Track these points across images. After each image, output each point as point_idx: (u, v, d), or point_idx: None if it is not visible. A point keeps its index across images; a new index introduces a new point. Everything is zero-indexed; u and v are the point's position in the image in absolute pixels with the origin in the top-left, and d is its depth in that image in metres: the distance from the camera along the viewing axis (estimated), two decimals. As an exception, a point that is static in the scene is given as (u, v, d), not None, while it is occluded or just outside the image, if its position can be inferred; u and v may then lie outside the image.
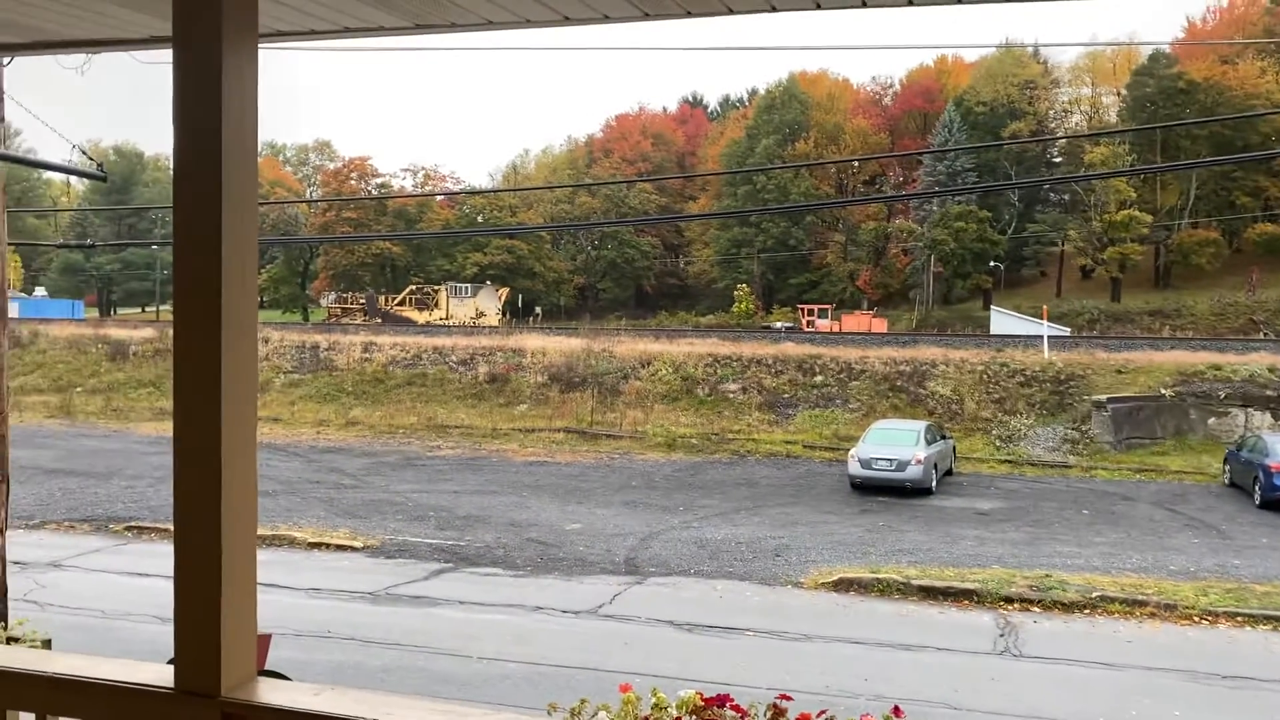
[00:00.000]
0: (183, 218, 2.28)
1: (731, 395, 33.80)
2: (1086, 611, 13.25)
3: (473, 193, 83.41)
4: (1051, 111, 76.00)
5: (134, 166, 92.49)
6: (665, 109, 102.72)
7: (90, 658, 2.56)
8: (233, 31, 2.21)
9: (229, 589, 2.27)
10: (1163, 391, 29.20)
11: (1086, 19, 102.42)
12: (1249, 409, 28.31)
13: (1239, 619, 12.86)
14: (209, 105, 2.24)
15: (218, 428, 2.24)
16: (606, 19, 2.70)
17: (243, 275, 2.31)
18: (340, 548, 16.86)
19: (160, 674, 2.38)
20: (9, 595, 7.95)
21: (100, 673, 2.45)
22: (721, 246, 79.75)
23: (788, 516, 20.18)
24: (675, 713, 2.12)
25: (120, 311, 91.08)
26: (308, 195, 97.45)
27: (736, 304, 71.43)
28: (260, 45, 2.40)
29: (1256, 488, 21.62)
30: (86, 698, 2.42)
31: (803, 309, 65.74)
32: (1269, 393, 28.49)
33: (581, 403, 33.93)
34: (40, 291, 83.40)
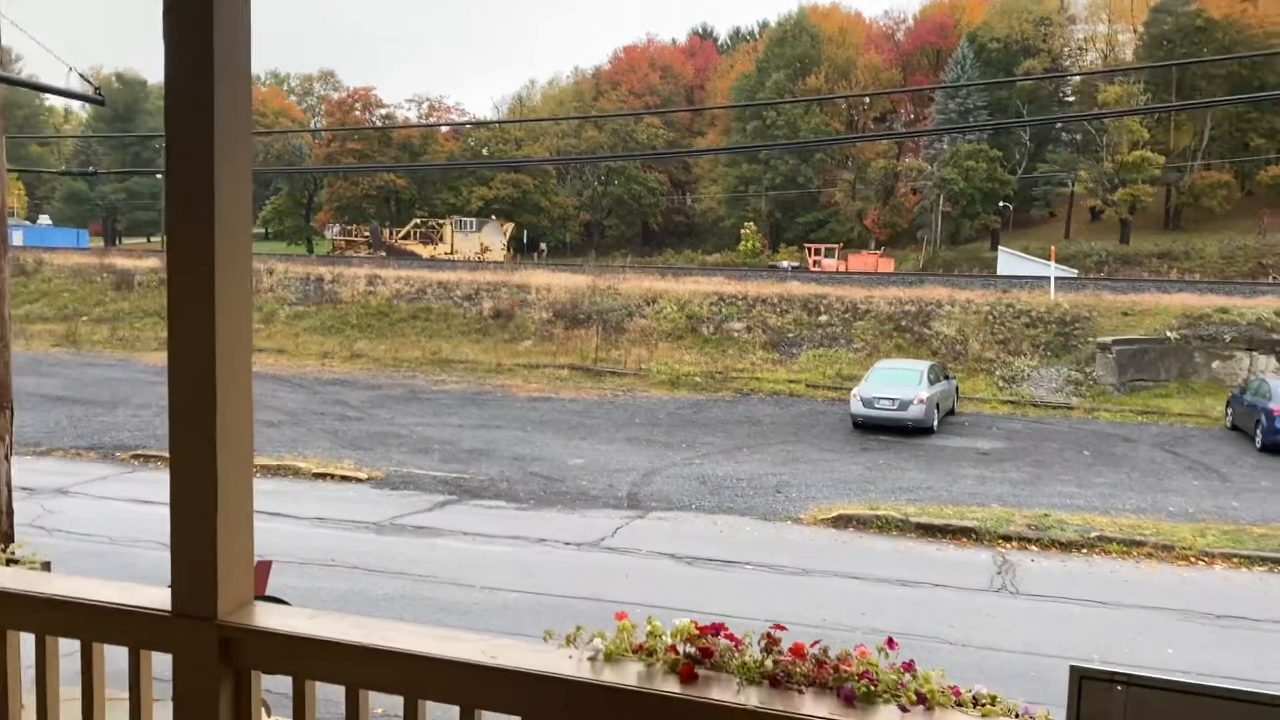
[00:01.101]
0: (175, 145, 2.24)
1: (736, 334, 33.77)
2: (1084, 551, 13.36)
3: (478, 124, 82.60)
4: (1066, 49, 74.70)
5: (138, 94, 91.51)
6: (674, 41, 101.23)
7: (88, 580, 2.58)
8: None
9: (225, 514, 2.27)
10: (1168, 334, 29.13)
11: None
12: (1254, 353, 28.25)
13: (1235, 560, 12.96)
14: (200, 29, 2.18)
15: (212, 353, 2.23)
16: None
17: (236, 200, 2.27)
18: (345, 478, 17.00)
19: (158, 597, 2.39)
20: (15, 520, 8.03)
21: (98, 595, 2.47)
22: (729, 184, 79.07)
23: (789, 454, 20.28)
24: (670, 640, 2.12)
25: (125, 241, 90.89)
26: (312, 125, 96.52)
27: (743, 242, 71.04)
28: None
29: (1258, 431, 21.66)
30: (84, 619, 2.44)
31: (809, 248, 65.37)
32: (1275, 337, 28.40)
33: (586, 340, 33.95)
34: (44, 220, 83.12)
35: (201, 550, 2.27)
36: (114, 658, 2.48)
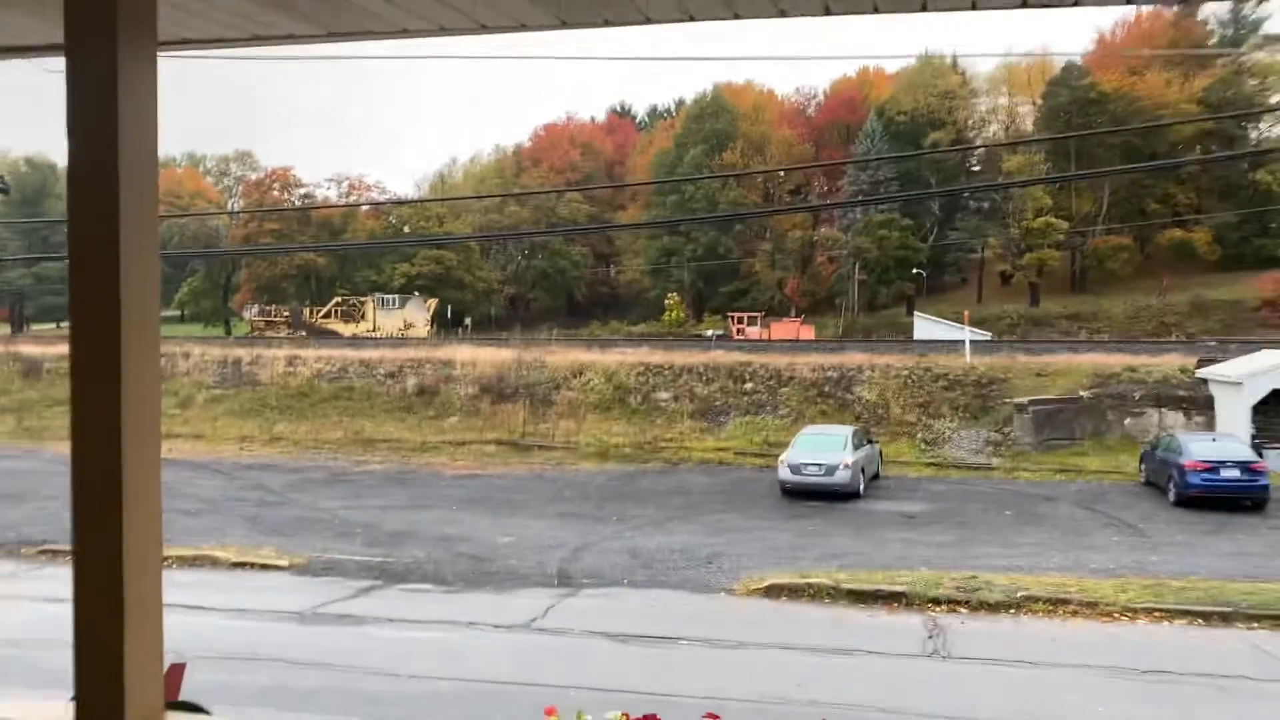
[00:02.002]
0: (78, 229, 2.19)
1: (664, 404, 33.87)
2: (1012, 611, 13.51)
3: (399, 202, 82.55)
4: (970, 121, 77.78)
5: (47, 178, 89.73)
6: (593, 118, 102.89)
7: (-14, 695, 2.43)
8: (129, 38, 2.13)
9: (133, 616, 2.17)
10: (1081, 393, 30.00)
11: (1003, 32, 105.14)
12: (1162, 409, 29.22)
13: (1156, 614, 13.22)
14: (104, 114, 2.15)
15: (118, 442, 2.15)
16: (523, 28, 2.66)
17: (143, 289, 2.22)
18: (265, 567, 16.47)
19: (60, 710, 2.26)
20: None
21: (-5, 712, 2.32)
22: (652, 255, 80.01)
23: (720, 523, 20.26)
24: (601, 733, 2.07)
25: (34, 327, 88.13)
26: (229, 206, 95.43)
27: (667, 312, 71.71)
28: (163, 53, 2.32)
29: (1171, 486, 22.31)
30: (-20, 739, 2.30)
31: (733, 317, 66.24)
32: (1180, 393, 29.44)
33: (513, 414, 33.71)
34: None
35: (107, 655, 2.16)
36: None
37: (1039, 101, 72.38)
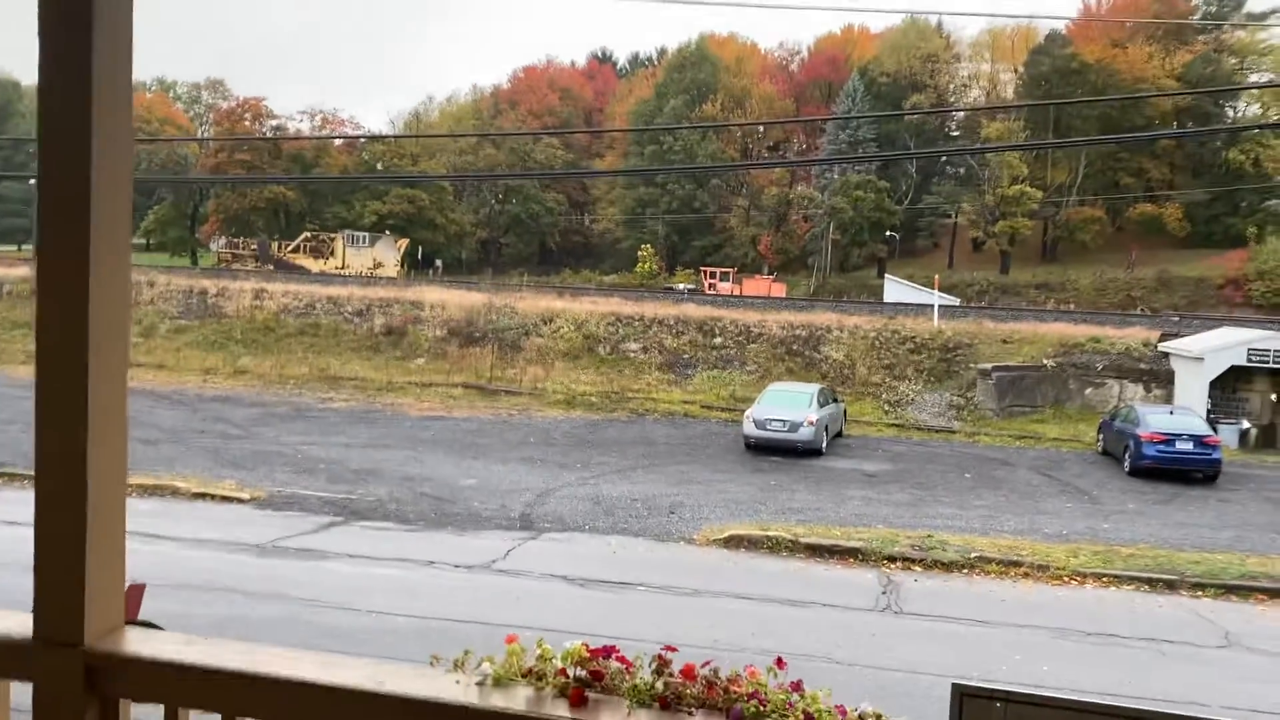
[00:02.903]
0: (49, 149, 2.14)
1: (632, 354, 33.91)
2: (965, 571, 13.77)
3: (373, 138, 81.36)
4: (952, 86, 77.65)
5: (10, 95, 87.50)
6: (574, 63, 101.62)
7: (-59, 606, 2.42)
8: None
9: (94, 534, 2.16)
10: (1045, 362, 30.37)
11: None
12: (1123, 381, 29.67)
13: (1105, 579, 13.53)
14: (78, 33, 2.09)
15: (84, 366, 2.12)
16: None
17: (114, 213, 2.18)
18: (225, 499, 16.43)
19: (19, 622, 2.26)
20: None
21: (-49, 622, 2.31)
22: (627, 206, 79.59)
23: (683, 475, 20.42)
24: (560, 664, 2.10)
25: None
26: (199, 134, 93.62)
27: (640, 264, 71.54)
28: (138, -33, 2.25)
29: (1126, 456, 22.73)
30: (-66, 648, 2.29)
31: (705, 271, 66.23)
32: (1142, 366, 29.88)
33: (481, 358, 33.63)
34: (-96, 224, 78.61)
35: (68, 572, 2.15)
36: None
37: (1020, 69, 72.35)
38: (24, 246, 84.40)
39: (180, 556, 12.73)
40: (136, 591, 4.68)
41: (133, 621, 2.78)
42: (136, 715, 2.32)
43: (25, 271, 41.99)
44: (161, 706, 2.19)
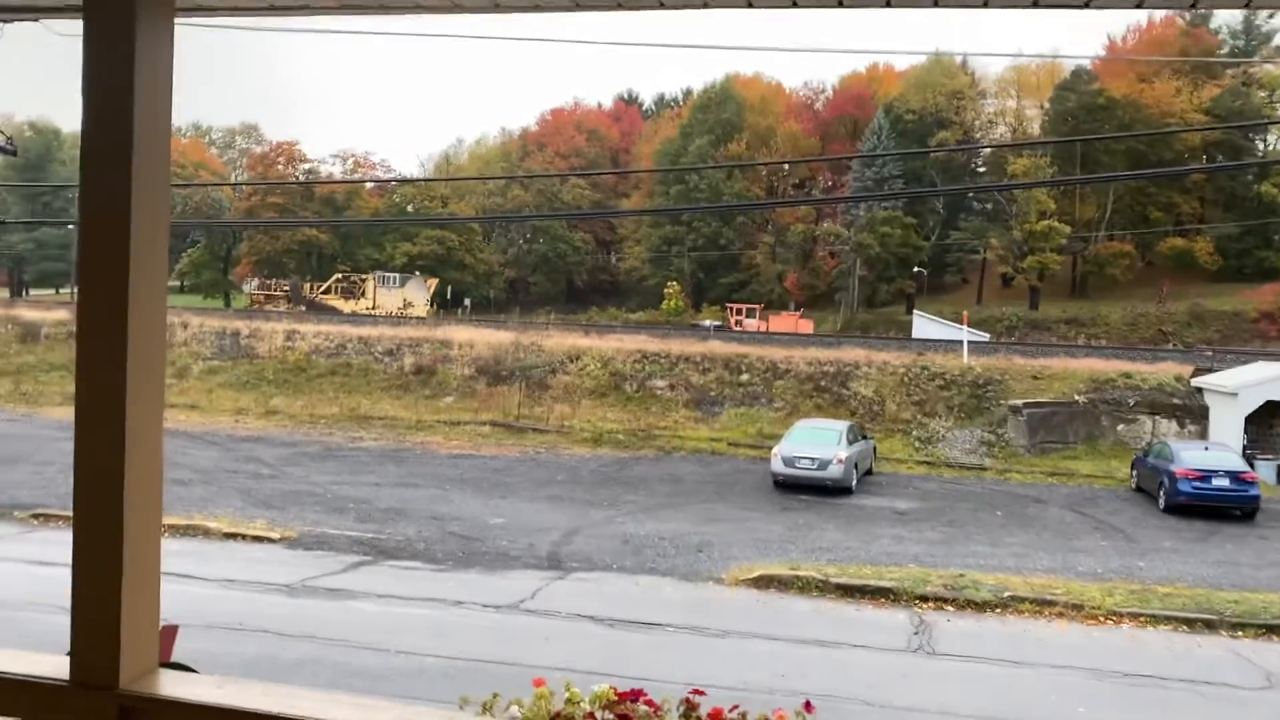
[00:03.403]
0: (90, 196, 2.21)
1: (659, 392, 33.90)
2: (998, 611, 13.58)
3: (403, 181, 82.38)
4: (977, 122, 77.67)
5: (50, 143, 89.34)
6: (600, 105, 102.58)
7: (-20, 648, 2.46)
8: (147, 2, 2.14)
9: (130, 577, 2.20)
10: (1076, 398, 30.07)
11: (1013, 34, 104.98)
12: (1156, 416, 29.29)
13: (1142, 619, 13.29)
14: (120, 80, 2.16)
15: (122, 408, 2.17)
16: (538, 8, 2.67)
17: (152, 257, 2.24)
18: (256, 539, 16.52)
19: (56, 665, 2.29)
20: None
21: (-9, 663, 2.35)
22: (653, 244, 79.92)
23: (711, 513, 20.31)
24: (588, 707, 2.11)
25: (33, 293, 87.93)
26: (233, 178, 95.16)
27: (666, 301, 71.67)
28: (179, 19, 2.33)
29: (1161, 493, 22.39)
30: (-24, 689, 2.33)
31: (731, 308, 66.21)
32: (1175, 401, 29.51)
33: (508, 396, 33.74)
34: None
35: (104, 615, 2.19)
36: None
37: (1046, 105, 72.30)
38: (61, 290, 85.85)
39: (212, 596, 12.80)
40: (170, 633, 4.71)
41: (167, 664, 2.81)
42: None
43: (63, 315, 42.67)
44: (195, 749, 2.21)
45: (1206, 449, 23.25)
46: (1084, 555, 17.53)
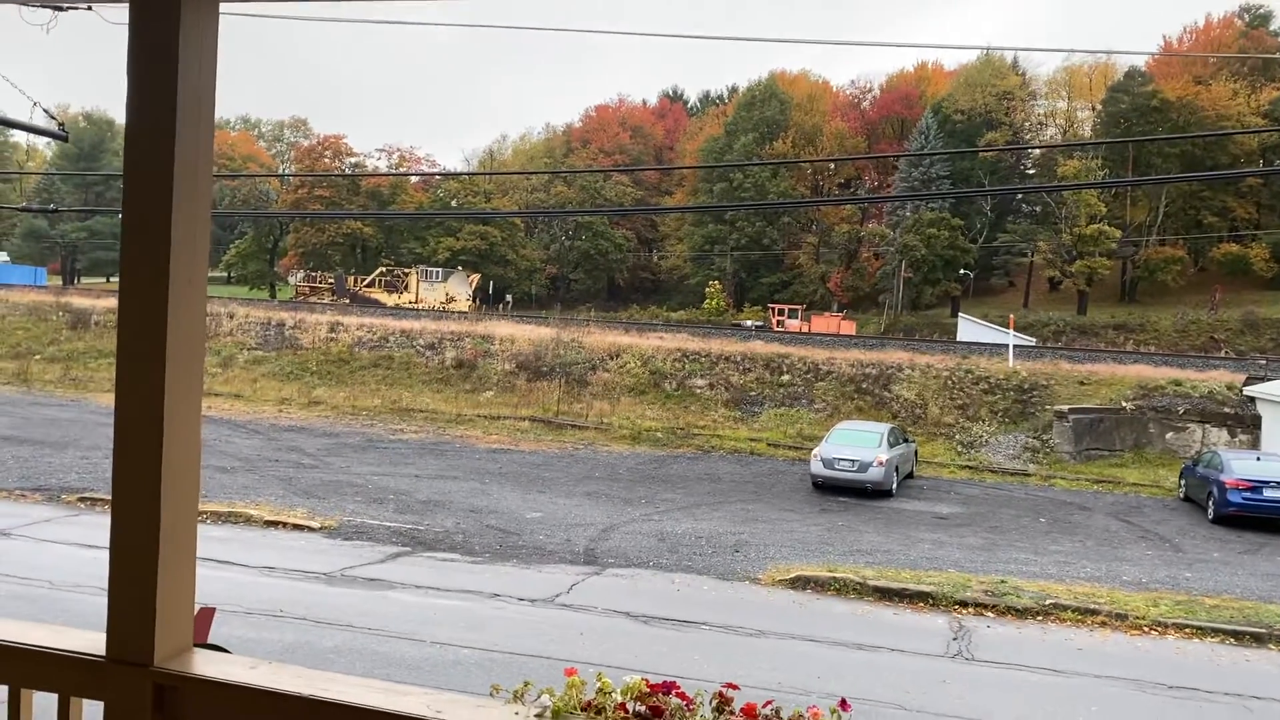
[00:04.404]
0: (133, 184, 2.22)
1: (699, 391, 33.84)
2: (1039, 618, 13.38)
3: (448, 175, 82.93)
4: (1027, 123, 76.70)
5: (104, 133, 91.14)
6: (645, 102, 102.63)
7: (19, 623, 2.49)
8: None
9: (166, 557, 2.21)
10: (1124, 404, 29.57)
11: (1065, 34, 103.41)
12: (1206, 425, 28.73)
13: (1188, 630, 13.03)
14: (164, 67, 2.17)
15: (160, 394, 2.18)
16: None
17: (193, 246, 2.25)
18: (297, 527, 16.70)
19: (92, 641, 2.31)
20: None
21: (28, 638, 2.37)
22: (695, 242, 79.81)
23: (748, 513, 20.23)
24: (620, 698, 2.08)
25: (85, 280, 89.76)
26: (281, 171, 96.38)
27: (708, 300, 71.54)
28: (224, 10, 2.33)
29: (1210, 503, 21.95)
30: (12, 662, 2.35)
31: (773, 308, 65.95)
32: (1226, 410, 28.92)
33: (548, 392, 33.85)
34: (2, 256, 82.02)
35: (140, 594, 2.20)
36: (45, 705, 2.39)
37: (1098, 107, 71.20)
38: (112, 279, 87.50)
39: (252, 583, 12.96)
40: (206, 615, 4.77)
41: (201, 644, 2.83)
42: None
43: (112, 303, 43.47)
44: (226, 728, 2.21)
45: (1258, 459, 22.75)
46: (1129, 564, 17.23)
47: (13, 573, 12.56)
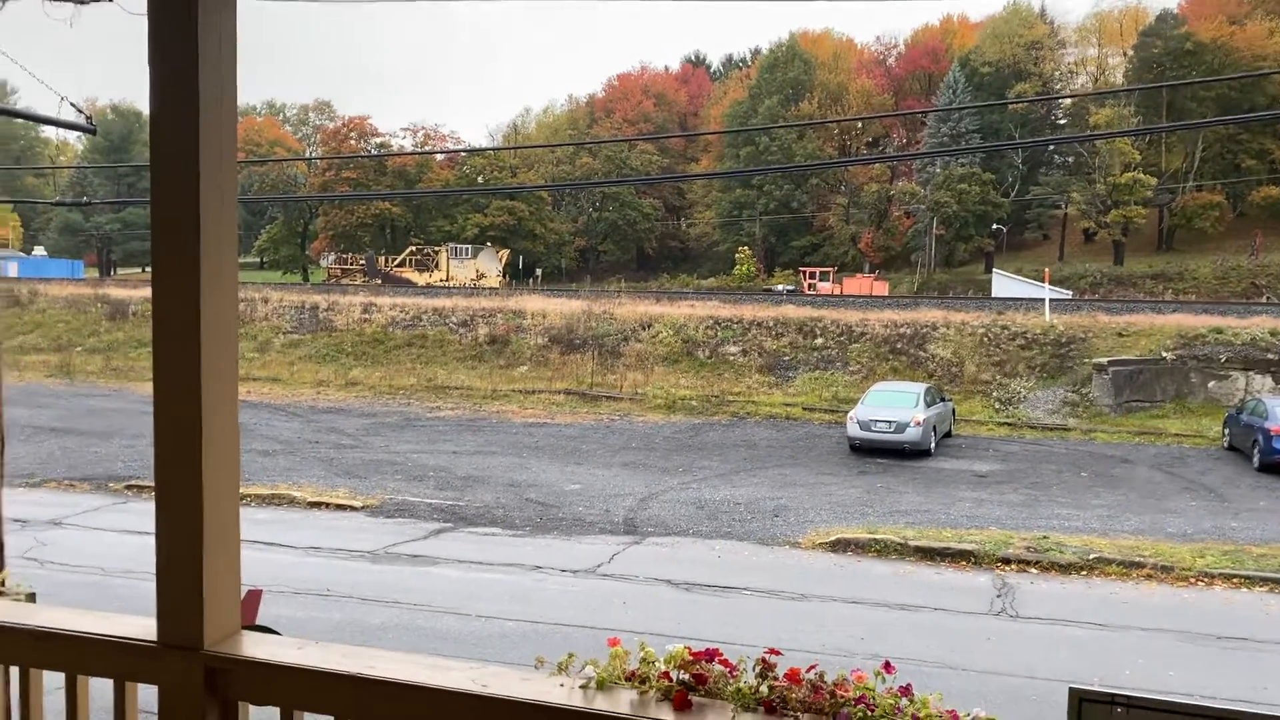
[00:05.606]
0: (160, 173, 2.24)
1: (732, 357, 33.77)
2: (1083, 573, 13.30)
3: (472, 152, 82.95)
4: (1057, 73, 75.29)
5: (132, 125, 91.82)
6: (667, 68, 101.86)
7: (74, 611, 2.54)
8: None
9: (211, 543, 2.25)
10: (1164, 355, 29.16)
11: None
12: (1249, 372, 28.26)
13: (1235, 581, 12.89)
14: (185, 56, 2.18)
15: (197, 381, 2.21)
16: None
17: (222, 231, 2.27)
18: (339, 507, 16.91)
19: (144, 627, 2.36)
20: (5, 552, 7.97)
21: (83, 626, 2.43)
22: (723, 209, 79.37)
23: (786, 478, 20.22)
24: (663, 667, 2.09)
25: (120, 271, 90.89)
26: (307, 154, 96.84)
27: (738, 266, 71.24)
28: None
29: (1256, 451, 21.64)
30: (69, 650, 2.41)
31: (804, 272, 65.59)
32: (1270, 356, 28.42)
33: (581, 364, 33.93)
34: (40, 251, 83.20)
35: (187, 580, 2.24)
36: (100, 690, 2.44)
37: (1130, 52, 69.73)
38: (147, 269, 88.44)
39: (298, 563, 13.16)
40: (254, 597, 4.85)
41: (250, 626, 2.88)
42: (253, 716, 2.40)
43: (149, 293, 43.92)
44: (278, 708, 2.26)
45: (1304, 405, 22.37)
46: (1174, 516, 17.06)
47: (67, 561, 12.85)
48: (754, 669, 2.06)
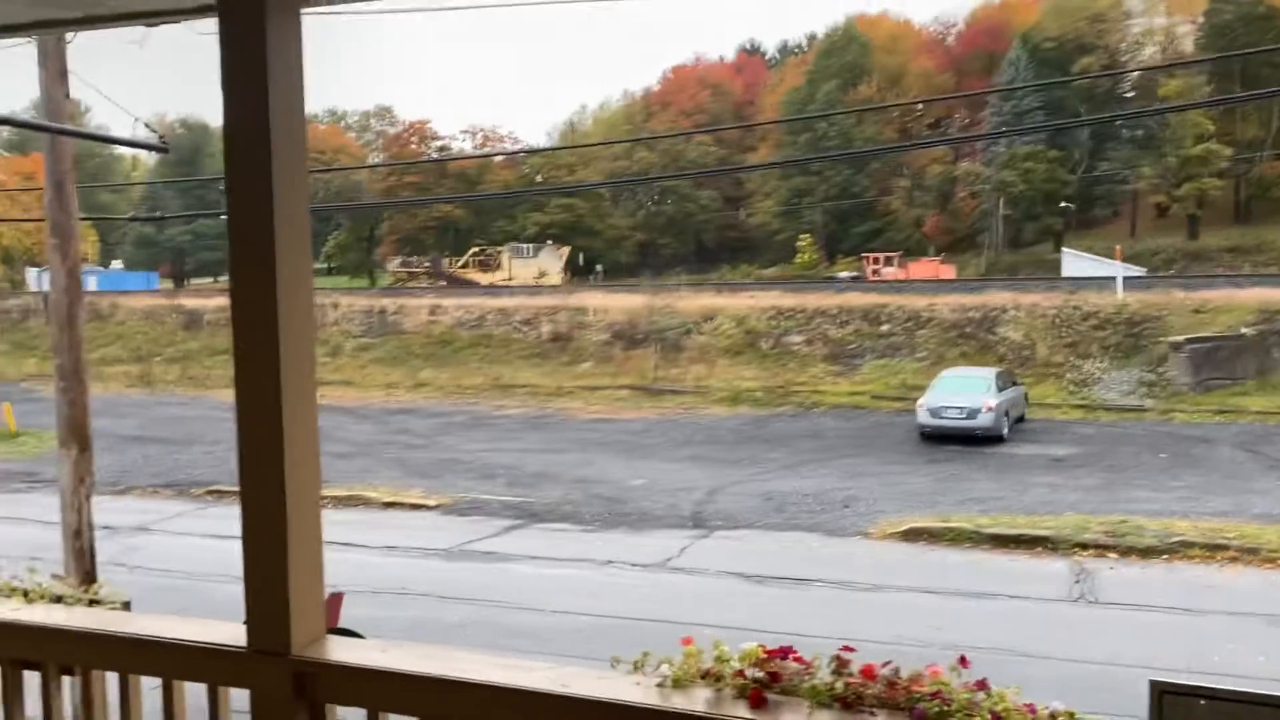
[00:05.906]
0: (235, 187, 2.31)
1: (796, 347, 33.54)
2: (1165, 557, 12.99)
3: (530, 152, 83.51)
4: (1123, 45, 73.20)
5: (200, 139, 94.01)
6: (722, 58, 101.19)
7: (167, 618, 2.64)
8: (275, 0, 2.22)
9: (295, 550, 2.31)
10: (1244, 330, 28.28)
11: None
12: (1336, 346, 27.31)
13: (1326, 562, 12.50)
14: (255, 74, 2.24)
15: (277, 389, 2.27)
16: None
17: (296, 240, 2.33)
18: (414, 506, 17.20)
19: (234, 634, 2.44)
20: (97, 558, 8.26)
21: (177, 633, 2.52)
22: (782, 197, 78.69)
23: (855, 468, 20.05)
24: (737, 665, 2.11)
25: (193, 281, 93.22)
26: (370, 160, 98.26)
27: (799, 255, 70.59)
28: (305, 12, 2.40)
29: (1344, 427, 20.91)
30: (164, 657, 2.50)
31: (868, 257, 64.75)
32: (1358, 329, 27.43)
33: (644, 359, 33.98)
34: (117, 265, 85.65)
35: (274, 587, 2.31)
36: (194, 694, 2.54)
37: (1200, 20, 67.58)
38: (219, 278, 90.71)
39: (375, 563, 13.41)
40: (336, 600, 4.97)
41: (334, 629, 2.97)
42: (341, 717, 2.47)
43: (222, 302, 45.09)
44: (364, 710, 2.32)
45: (1395, 378, 21.56)
46: (1259, 496, 16.56)
47: (155, 565, 13.26)
48: (828, 666, 2.07)
